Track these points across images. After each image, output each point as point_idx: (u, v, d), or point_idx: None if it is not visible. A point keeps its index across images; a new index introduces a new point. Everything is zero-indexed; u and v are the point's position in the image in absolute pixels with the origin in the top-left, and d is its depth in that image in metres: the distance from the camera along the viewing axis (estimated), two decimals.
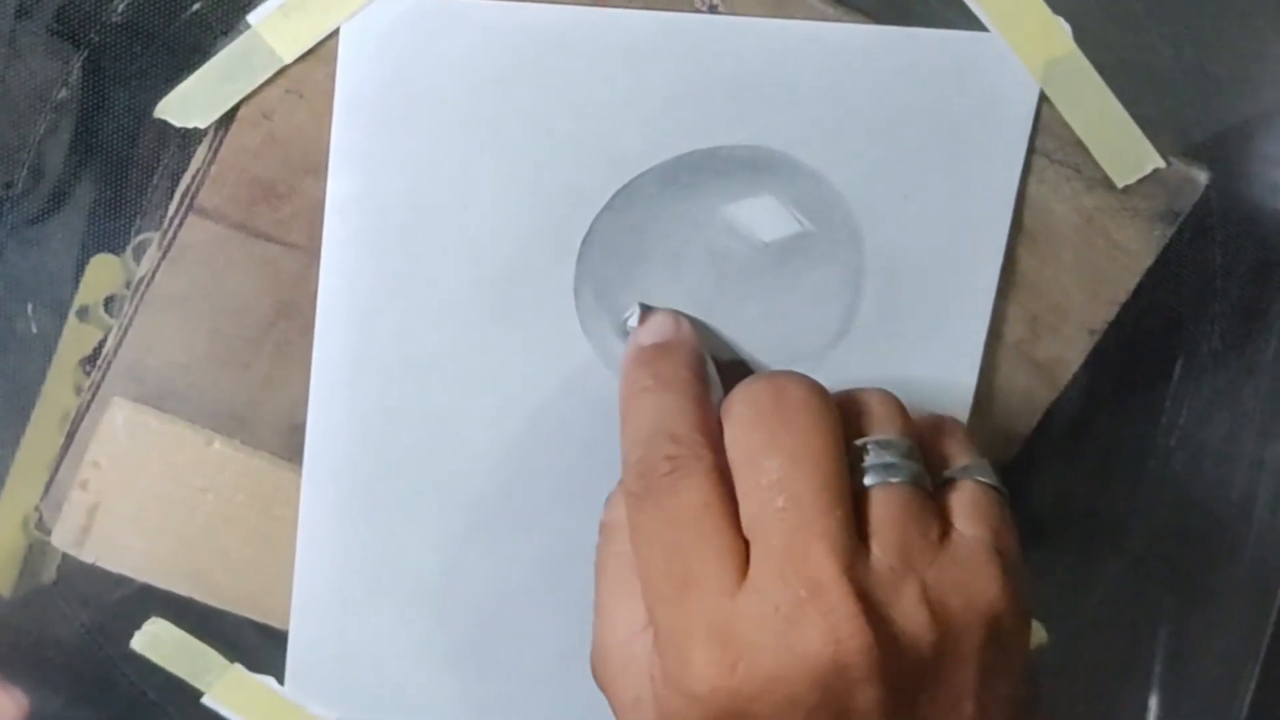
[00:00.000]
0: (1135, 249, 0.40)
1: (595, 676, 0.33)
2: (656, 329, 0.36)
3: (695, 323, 0.37)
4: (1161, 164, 0.38)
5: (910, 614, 0.30)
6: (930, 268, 0.39)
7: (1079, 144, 0.38)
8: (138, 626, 0.40)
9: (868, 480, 0.31)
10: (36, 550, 0.41)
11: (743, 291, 0.38)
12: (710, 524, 0.30)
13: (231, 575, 0.40)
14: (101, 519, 0.39)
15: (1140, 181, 0.39)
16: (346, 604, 0.39)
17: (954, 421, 0.35)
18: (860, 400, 0.33)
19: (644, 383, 0.34)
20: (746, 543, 0.30)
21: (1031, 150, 0.38)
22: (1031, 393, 0.41)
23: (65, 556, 0.40)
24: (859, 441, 0.32)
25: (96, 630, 0.41)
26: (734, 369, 0.37)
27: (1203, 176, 0.39)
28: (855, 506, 0.31)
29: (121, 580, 0.40)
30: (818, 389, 0.32)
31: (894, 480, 0.31)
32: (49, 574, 0.41)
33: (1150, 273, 0.40)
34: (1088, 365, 0.41)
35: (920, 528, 0.31)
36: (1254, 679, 0.45)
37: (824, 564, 0.29)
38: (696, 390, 0.33)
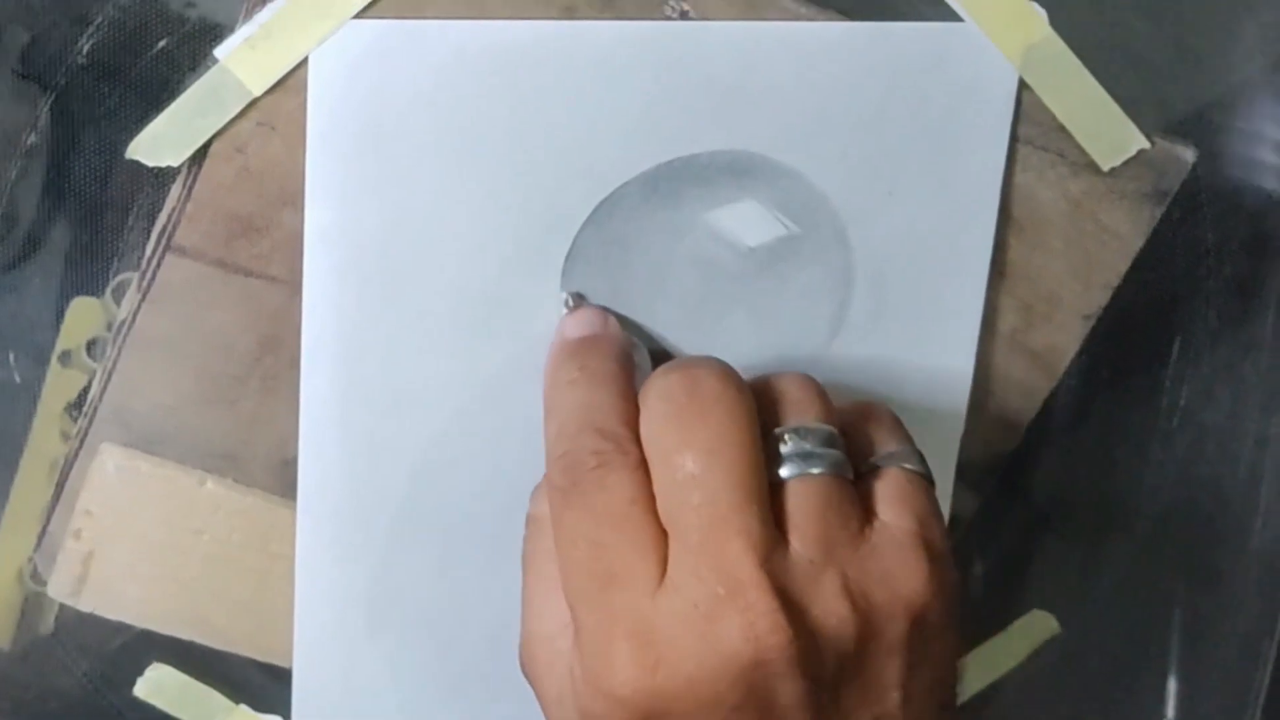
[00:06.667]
0: (1125, 231, 0.39)
1: (523, 672, 0.33)
2: (584, 322, 0.36)
3: (623, 317, 0.37)
4: (1146, 144, 0.38)
5: (830, 607, 0.30)
6: (919, 263, 0.38)
7: (1062, 129, 0.38)
8: (140, 673, 0.40)
9: (785, 471, 0.31)
10: (33, 602, 0.41)
11: (731, 298, 0.38)
12: (635, 521, 0.30)
13: (231, 616, 0.39)
14: (97, 567, 0.38)
15: (1126, 163, 0.38)
16: (349, 638, 0.39)
17: (882, 406, 0.34)
18: (777, 387, 0.33)
19: (571, 375, 0.33)
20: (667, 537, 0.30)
21: (1014, 138, 0.38)
22: (1029, 382, 0.41)
23: (63, 607, 0.40)
24: (777, 430, 0.31)
25: (98, 679, 0.41)
26: (665, 359, 0.37)
27: (1189, 154, 0.39)
28: (774, 497, 0.30)
29: (121, 627, 0.39)
30: (733, 378, 0.31)
31: (813, 470, 0.31)
32: (47, 625, 0.41)
33: (1142, 254, 0.40)
34: (1084, 351, 0.41)
35: (840, 518, 0.30)
36: (1271, 657, 0.45)
37: (741, 561, 0.29)
38: (623, 384, 0.32)
